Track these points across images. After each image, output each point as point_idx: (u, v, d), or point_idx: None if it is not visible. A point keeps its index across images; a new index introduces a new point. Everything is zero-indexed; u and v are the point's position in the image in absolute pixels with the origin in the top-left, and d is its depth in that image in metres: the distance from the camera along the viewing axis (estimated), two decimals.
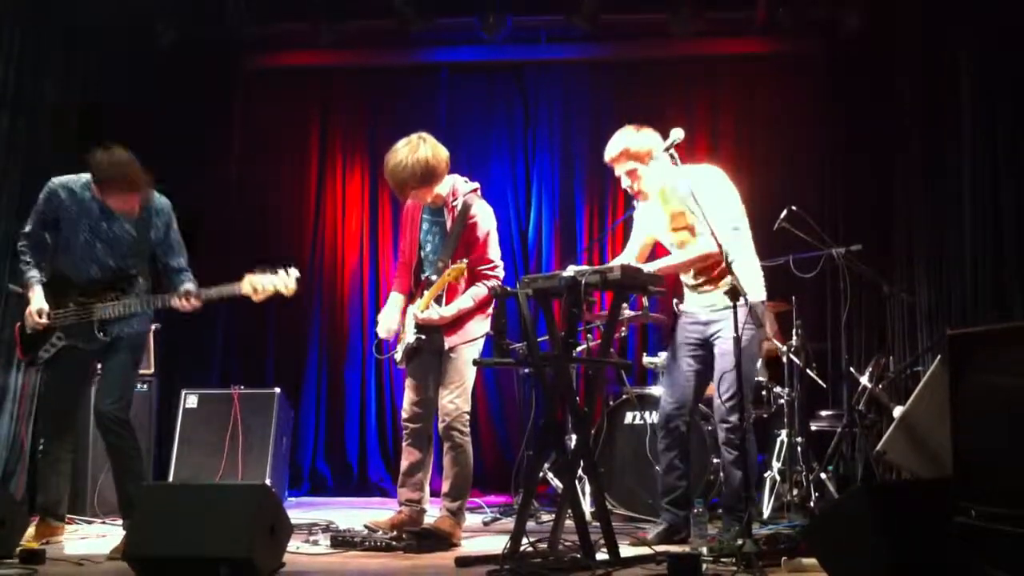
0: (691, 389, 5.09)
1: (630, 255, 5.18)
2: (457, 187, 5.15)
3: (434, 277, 5.03)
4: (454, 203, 5.09)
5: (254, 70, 8.41)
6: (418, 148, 4.97)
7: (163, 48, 7.52)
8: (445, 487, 5.05)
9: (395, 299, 5.30)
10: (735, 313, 4.42)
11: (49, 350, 4.87)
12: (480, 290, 5.07)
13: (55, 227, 4.90)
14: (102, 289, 4.85)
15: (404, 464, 5.20)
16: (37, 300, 4.84)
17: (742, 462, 4.67)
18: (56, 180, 4.91)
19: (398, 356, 5.20)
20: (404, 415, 5.22)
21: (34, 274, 4.90)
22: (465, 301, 5.04)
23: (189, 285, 4.90)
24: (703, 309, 5.05)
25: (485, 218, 5.12)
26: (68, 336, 4.85)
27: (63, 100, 6.60)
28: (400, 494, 5.20)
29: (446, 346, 5.05)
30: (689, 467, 5.15)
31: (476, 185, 5.26)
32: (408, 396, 5.20)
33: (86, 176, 4.82)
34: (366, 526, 5.05)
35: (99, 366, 5.02)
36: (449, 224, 5.09)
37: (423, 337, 5.08)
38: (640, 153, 4.98)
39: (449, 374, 5.06)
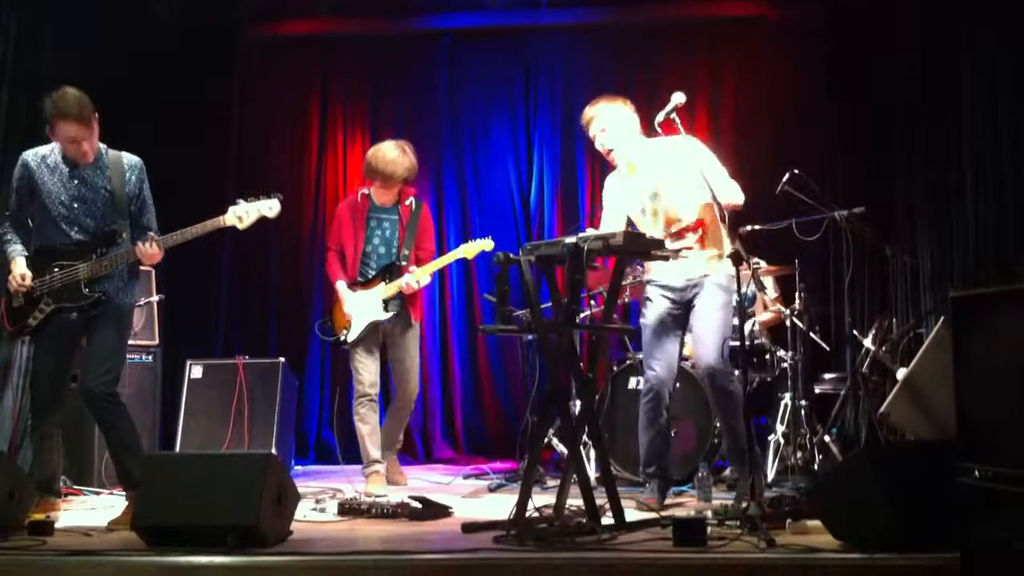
0: (677, 356, 5.13)
1: (616, 227, 5.03)
2: (404, 189, 6.11)
3: (413, 268, 5.90)
4: (407, 202, 6.08)
5: (254, 40, 8.36)
6: (407, 152, 5.92)
7: (162, 20, 7.48)
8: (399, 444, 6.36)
9: (344, 287, 6.00)
10: (738, 275, 4.43)
11: (37, 316, 4.74)
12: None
13: (33, 199, 4.81)
14: (85, 250, 4.74)
15: (366, 428, 5.95)
16: (19, 267, 4.77)
17: (733, 408, 4.87)
18: (26, 152, 4.86)
19: (352, 336, 5.91)
20: (368, 389, 5.94)
21: (16, 248, 4.84)
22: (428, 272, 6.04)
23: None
24: (678, 278, 5.04)
25: (429, 216, 6.24)
26: (56, 300, 4.72)
27: (62, 75, 6.57)
28: (369, 454, 5.95)
29: (413, 319, 6.03)
30: (670, 432, 5.22)
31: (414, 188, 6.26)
32: (369, 370, 5.96)
33: (55, 143, 4.78)
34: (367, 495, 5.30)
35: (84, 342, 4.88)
36: (406, 219, 6.02)
37: (399, 313, 5.94)
38: (608, 125, 5.10)
39: (413, 348, 6.08)
